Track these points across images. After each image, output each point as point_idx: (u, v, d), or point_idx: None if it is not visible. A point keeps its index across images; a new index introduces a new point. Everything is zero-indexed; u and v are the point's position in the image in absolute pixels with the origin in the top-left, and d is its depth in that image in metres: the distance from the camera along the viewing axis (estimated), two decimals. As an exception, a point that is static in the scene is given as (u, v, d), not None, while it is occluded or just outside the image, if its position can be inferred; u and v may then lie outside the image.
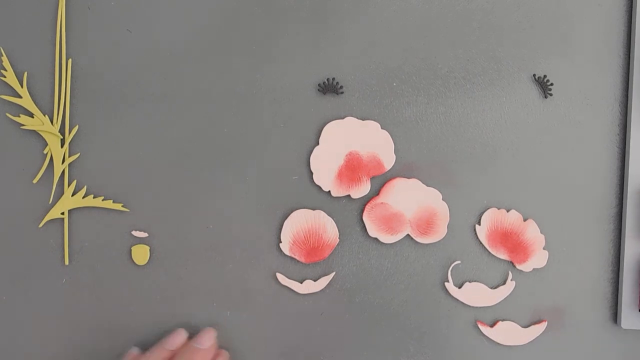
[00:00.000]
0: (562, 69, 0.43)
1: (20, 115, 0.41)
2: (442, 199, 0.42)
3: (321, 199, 0.42)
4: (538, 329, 0.42)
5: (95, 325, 0.42)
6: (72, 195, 0.41)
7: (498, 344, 0.43)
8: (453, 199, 0.42)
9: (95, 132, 0.42)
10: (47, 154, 0.41)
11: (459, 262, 0.43)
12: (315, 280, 0.42)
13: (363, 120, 0.42)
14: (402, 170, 0.42)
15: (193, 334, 0.42)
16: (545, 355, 0.43)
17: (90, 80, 0.42)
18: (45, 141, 0.41)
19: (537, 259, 0.42)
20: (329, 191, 0.42)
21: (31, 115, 0.41)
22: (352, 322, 0.42)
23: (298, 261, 0.42)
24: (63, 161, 0.41)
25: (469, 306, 0.43)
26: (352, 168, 0.42)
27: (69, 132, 0.41)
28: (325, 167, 0.42)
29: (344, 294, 0.42)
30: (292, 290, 0.42)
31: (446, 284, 0.42)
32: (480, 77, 0.43)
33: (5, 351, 0.42)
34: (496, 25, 0.43)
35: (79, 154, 0.42)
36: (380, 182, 0.42)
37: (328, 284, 0.42)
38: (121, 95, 0.42)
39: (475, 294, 0.42)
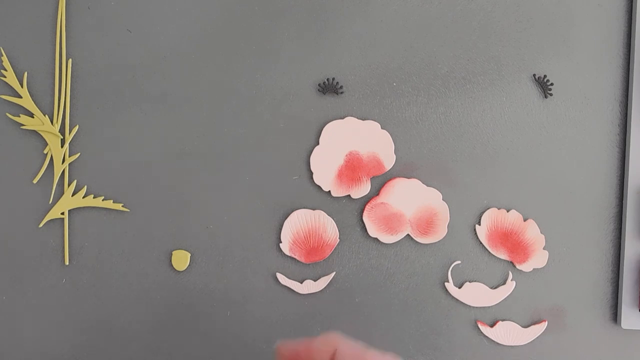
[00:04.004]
0: (562, 69, 0.43)
1: (20, 115, 0.41)
2: (442, 199, 0.42)
3: (321, 199, 0.42)
4: (538, 329, 0.42)
5: (95, 325, 0.42)
6: (72, 195, 0.41)
7: (498, 344, 0.43)
8: (453, 199, 0.42)
9: (95, 132, 0.42)
10: (47, 154, 0.41)
11: (459, 262, 0.43)
12: (315, 280, 0.42)
13: (363, 120, 0.42)
14: (402, 170, 0.42)
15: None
16: (545, 355, 0.43)
17: (90, 80, 0.42)
18: (45, 141, 0.41)
19: (537, 259, 0.42)
20: (329, 191, 0.42)
21: (31, 115, 0.41)
22: (352, 322, 0.42)
23: (298, 261, 0.42)
24: (63, 161, 0.41)
25: (469, 306, 0.43)
26: (352, 168, 0.42)
27: (69, 132, 0.41)
28: (325, 167, 0.42)
29: (344, 294, 0.42)
30: (292, 290, 0.42)
31: (446, 284, 0.42)
32: (480, 77, 0.43)
33: (6, 351, 0.42)
34: (496, 25, 0.43)
35: (79, 154, 0.42)
36: (380, 182, 0.42)
37: (328, 284, 0.42)
38: (121, 95, 0.42)
39: (475, 294, 0.42)
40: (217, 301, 0.42)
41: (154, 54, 0.42)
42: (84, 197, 0.41)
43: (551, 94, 0.43)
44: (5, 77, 0.41)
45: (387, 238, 0.42)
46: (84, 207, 0.42)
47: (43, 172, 0.41)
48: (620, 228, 0.43)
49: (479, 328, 0.42)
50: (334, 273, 0.42)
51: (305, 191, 0.42)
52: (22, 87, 0.41)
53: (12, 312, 0.42)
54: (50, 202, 0.41)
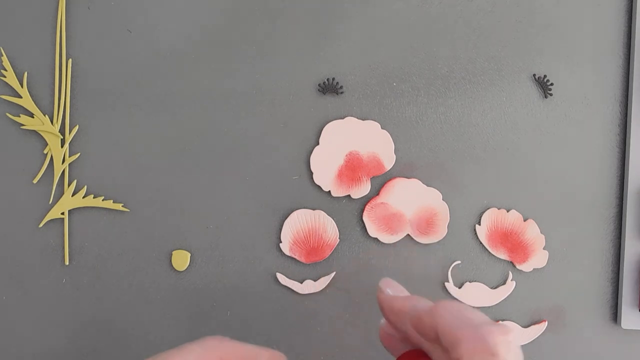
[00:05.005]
0: (562, 69, 0.43)
1: (20, 115, 0.41)
2: (442, 199, 0.42)
3: (321, 199, 0.42)
4: (538, 329, 0.42)
5: (95, 325, 0.42)
6: (72, 195, 0.41)
7: (498, 344, 0.42)
8: (453, 199, 0.42)
9: (95, 132, 0.42)
10: (47, 154, 0.41)
11: (459, 262, 0.43)
12: (315, 280, 0.42)
13: (363, 120, 0.42)
14: (402, 170, 0.42)
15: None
16: (545, 355, 0.43)
17: (90, 80, 0.42)
18: (45, 141, 0.41)
19: (537, 259, 0.42)
20: (329, 191, 0.42)
21: (31, 115, 0.41)
22: (352, 322, 0.42)
23: (298, 261, 0.42)
24: (63, 161, 0.41)
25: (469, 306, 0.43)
26: (352, 168, 0.42)
27: (69, 132, 0.41)
28: (325, 167, 0.42)
29: (344, 294, 0.42)
30: (292, 290, 0.42)
31: (446, 284, 0.42)
32: (480, 77, 0.43)
33: (5, 351, 0.42)
34: (496, 25, 0.43)
35: (79, 154, 0.42)
36: (380, 182, 0.42)
37: (328, 284, 0.42)
38: (121, 95, 0.42)
39: (475, 294, 0.42)
40: (217, 301, 0.42)
41: (154, 54, 0.42)
42: (84, 197, 0.41)
43: (551, 94, 0.43)
44: (5, 77, 0.41)
45: (387, 238, 0.42)
46: (84, 207, 0.42)
47: (43, 172, 0.41)
48: (620, 228, 0.43)
49: (479, 328, 0.42)
50: (334, 273, 0.42)
51: (305, 191, 0.42)
52: (22, 87, 0.41)
53: (12, 312, 0.42)
54: (50, 202, 0.42)
